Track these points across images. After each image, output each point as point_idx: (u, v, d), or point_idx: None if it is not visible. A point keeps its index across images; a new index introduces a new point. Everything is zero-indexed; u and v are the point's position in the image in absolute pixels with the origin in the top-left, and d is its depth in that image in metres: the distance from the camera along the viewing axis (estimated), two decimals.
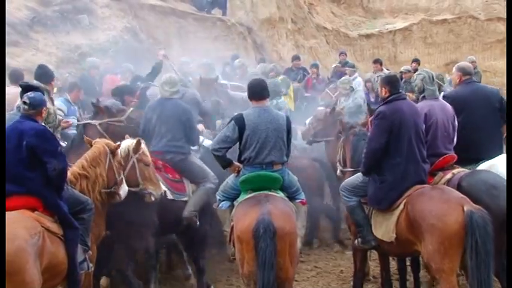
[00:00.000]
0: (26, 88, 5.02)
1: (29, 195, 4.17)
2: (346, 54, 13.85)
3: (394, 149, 4.92)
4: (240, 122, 4.93)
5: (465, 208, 4.37)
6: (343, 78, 10.13)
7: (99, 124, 5.97)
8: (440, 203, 4.52)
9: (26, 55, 10.29)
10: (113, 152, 5.08)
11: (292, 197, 5.10)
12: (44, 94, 4.61)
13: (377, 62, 12.17)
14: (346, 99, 9.39)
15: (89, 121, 6.11)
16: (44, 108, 4.42)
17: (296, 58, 12.77)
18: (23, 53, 10.34)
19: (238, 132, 4.93)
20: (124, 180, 5.16)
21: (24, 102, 4.34)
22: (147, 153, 5.44)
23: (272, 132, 4.92)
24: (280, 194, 4.91)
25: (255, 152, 4.90)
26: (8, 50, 10.31)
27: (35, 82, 5.27)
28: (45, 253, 3.98)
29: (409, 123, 4.96)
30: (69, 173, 4.68)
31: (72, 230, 4.29)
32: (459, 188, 4.96)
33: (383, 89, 5.18)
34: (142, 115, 6.24)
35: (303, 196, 5.21)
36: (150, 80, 8.29)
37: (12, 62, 9.95)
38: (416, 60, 13.22)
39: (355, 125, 6.24)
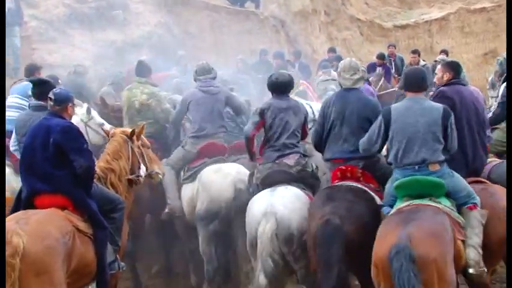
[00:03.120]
0: (38, 83, 5.11)
1: (59, 193, 4.11)
2: (395, 47, 13.47)
3: None
4: (386, 116, 4.38)
5: None
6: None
7: None
8: None
9: (63, 51, 10.49)
10: (131, 139, 5.03)
11: (462, 203, 4.25)
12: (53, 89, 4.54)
13: (415, 52, 11.84)
14: None
15: None
16: (70, 104, 4.34)
17: (332, 50, 12.59)
18: (59, 49, 10.57)
19: (384, 127, 4.37)
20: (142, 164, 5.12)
21: (50, 98, 4.29)
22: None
23: (423, 126, 4.25)
24: (443, 204, 4.12)
25: (403, 149, 4.24)
26: (45, 46, 10.59)
27: (46, 77, 5.34)
28: (75, 254, 3.92)
29: (469, 107, 4.69)
30: (97, 169, 4.62)
31: (101, 230, 4.19)
32: (489, 179, 4.81)
33: (445, 73, 4.91)
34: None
35: (476, 200, 4.27)
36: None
37: (49, 58, 10.21)
38: (445, 51, 12.87)
39: None
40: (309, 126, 5.60)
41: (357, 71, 4.97)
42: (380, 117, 4.43)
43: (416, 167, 4.20)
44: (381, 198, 4.59)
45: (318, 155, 5.42)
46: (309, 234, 4.32)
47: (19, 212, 4.04)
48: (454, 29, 18.60)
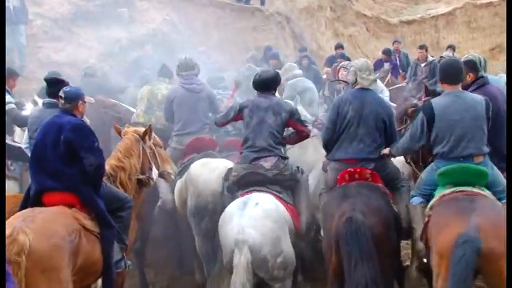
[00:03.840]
0: (51, 82, 5.14)
1: (67, 191, 4.11)
2: (400, 43, 13.36)
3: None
4: (428, 113, 4.31)
5: None
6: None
7: None
8: None
9: (68, 49, 10.48)
10: (143, 138, 5.03)
11: (497, 198, 4.20)
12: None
13: (423, 47, 11.51)
14: None
15: None
16: (81, 102, 4.36)
17: (339, 47, 12.51)
18: (65, 47, 10.55)
19: (427, 124, 4.31)
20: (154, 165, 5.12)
21: (61, 97, 4.33)
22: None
23: (469, 122, 4.24)
24: (488, 194, 4.13)
25: (450, 146, 4.24)
26: (51, 44, 10.58)
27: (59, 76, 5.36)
28: (81, 252, 3.91)
29: (503, 108, 4.64)
30: (107, 167, 4.62)
31: (108, 229, 4.19)
32: None
33: (468, 74, 4.86)
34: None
35: (505, 198, 4.23)
36: None
37: (55, 56, 10.21)
38: (451, 47, 12.73)
39: None
40: None
41: (372, 72, 4.99)
42: (421, 115, 4.37)
43: (461, 159, 4.24)
44: (389, 195, 4.61)
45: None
46: (328, 234, 4.29)
47: (26, 210, 4.03)
48: (460, 24, 18.49)
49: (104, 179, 4.48)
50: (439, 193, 4.23)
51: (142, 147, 4.99)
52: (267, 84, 5.22)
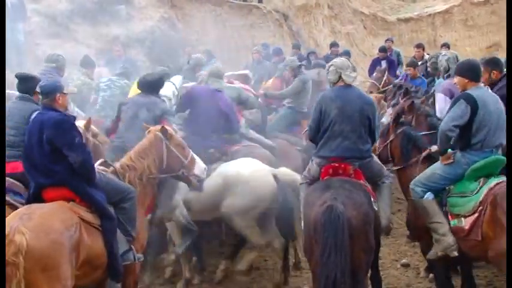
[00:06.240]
0: (22, 78, 5.14)
1: (63, 186, 4.09)
2: (392, 41, 13.38)
3: None
4: (472, 102, 4.55)
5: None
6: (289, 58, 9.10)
7: None
8: None
9: (66, 46, 10.48)
10: (168, 137, 4.94)
11: None
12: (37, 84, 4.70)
13: (419, 46, 11.47)
14: None
15: None
16: (59, 95, 4.23)
17: (334, 45, 12.57)
18: (63, 44, 10.55)
19: (471, 113, 4.55)
20: (196, 160, 5.04)
21: (38, 92, 4.33)
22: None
23: (500, 114, 4.62)
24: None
25: (490, 135, 4.58)
26: (49, 41, 10.59)
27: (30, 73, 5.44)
28: (83, 245, 3.87)
29: None
30: (117, 164, 4.65)
31: (108, 220, 4.15)
32: None
33: (493, 72, 5.06)
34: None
35: None
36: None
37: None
38: (446, 45, 12.76)
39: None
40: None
41: (353, 70, 5.10)
42: (463, 101, 4.57)
43: (494, 149, 4.60)
44: (370, 192, 4.70)
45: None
46: (308, 221, 4.40)
47: (23, 208, 4.04)
48: (457, 22, 18.53)
49: (111, 175, 4.50)
50: (472, 186, 4.54)
51: (167, 147, 4.91)
52: (149, 86, 5.85)
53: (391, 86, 9.30)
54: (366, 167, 4.82)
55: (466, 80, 4.70)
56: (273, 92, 8.32)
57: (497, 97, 4.70)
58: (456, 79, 4.83)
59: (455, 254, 4.62)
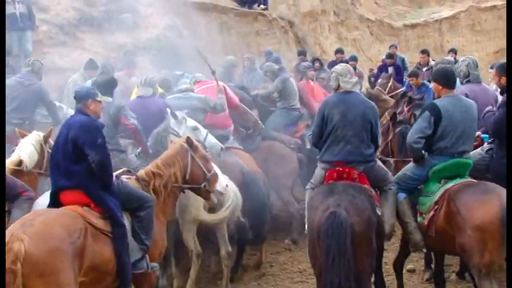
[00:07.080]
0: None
1: (78, 189, 4.13)
2: (396, 47, 13.43)
3: None
4: (436, 113, 4.76)
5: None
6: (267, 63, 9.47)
7: None
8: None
9: (73, 55, 10.56)
10: (194, 148, 4.94)
11: None
12: None
13: (424, 52, 11.55)
14: None
15: None
16: (90, 100, 4.37)
17: (339, 51, 12.63)
18: (70, 52, 10.63)
19: (434, 123, 4.77)
20: (218, 176, 5.03)
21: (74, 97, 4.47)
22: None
23: (467, 122, 4.78)
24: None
25: (451, 143, 4.77)
26: (56, 50, 10.66)
27: None
28: (87, 251, 3.86)
29: None
30: (142, 171, 4.68)
31: (118, 227, 4.14)
32: None
33: (502, 77, 5.17)
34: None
35: None
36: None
37: (60, 61, 10.29)
38: (453, 50, 12.77)
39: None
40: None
41: (353, 75, 5.13)
42: (427, 113, 4.78)
43: (455, 155, 4.79)
44: (375, 197, 4.77)
45: None
46: (311, 227, 4.46)
47: (30, 212, 4.11)
48: (464, 28, 18.53)
49: (135, 183, 4.55)
50: (434, 187, 4.79)
51: (192, 157, 4.91)
52: (103, 87, 5.90)
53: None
54: (370, 171, 4.86)
55: (440, 87, 4.93)
56: (262, 91, 8.66)
57: (471, 104, 4.88)
58: (432, 84, 5.10)
59: (424, 250, 5.08)
